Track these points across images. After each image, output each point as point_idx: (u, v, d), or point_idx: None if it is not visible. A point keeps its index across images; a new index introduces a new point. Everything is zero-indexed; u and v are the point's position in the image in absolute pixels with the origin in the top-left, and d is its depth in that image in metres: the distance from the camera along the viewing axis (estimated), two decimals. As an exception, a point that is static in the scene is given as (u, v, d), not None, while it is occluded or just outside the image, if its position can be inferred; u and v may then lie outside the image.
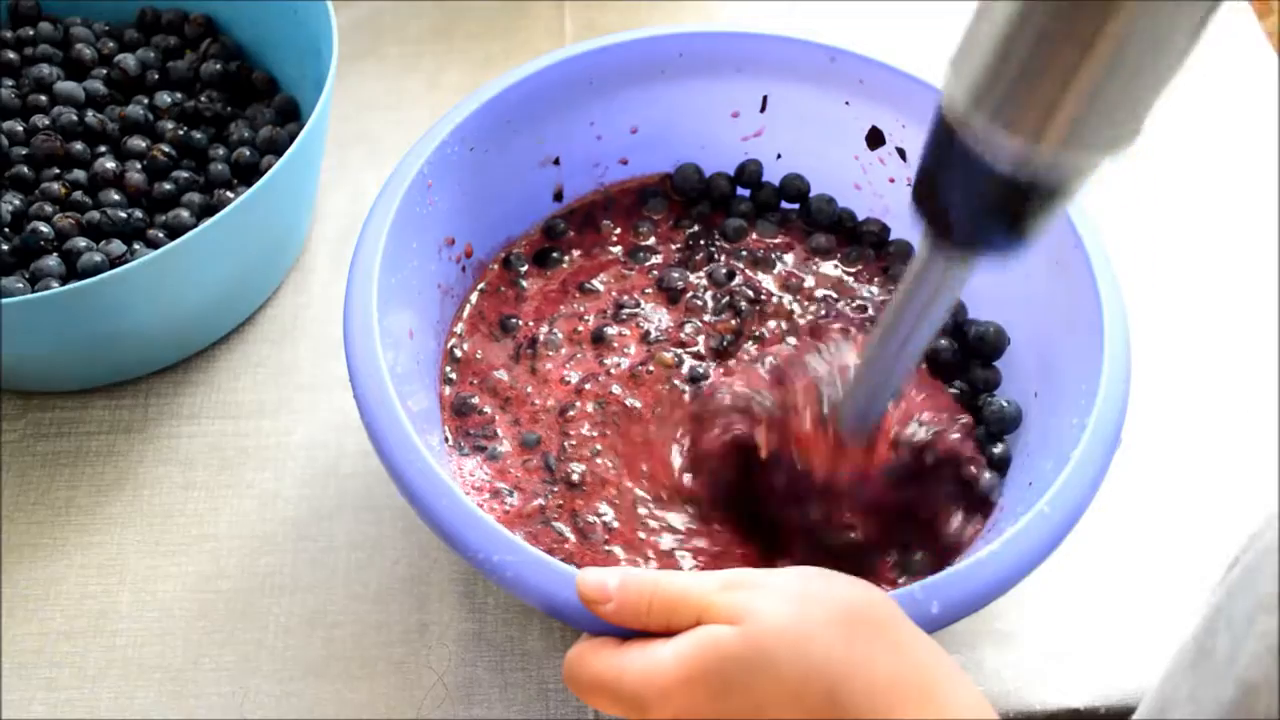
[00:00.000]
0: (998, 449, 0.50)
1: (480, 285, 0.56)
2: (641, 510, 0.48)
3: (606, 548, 0.47)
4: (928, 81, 0.53)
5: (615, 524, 0.47)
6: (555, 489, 0.49)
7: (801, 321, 0.54)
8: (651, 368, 0.52)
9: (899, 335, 0.39)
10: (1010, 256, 0.34)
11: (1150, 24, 0.27)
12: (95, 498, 0.55)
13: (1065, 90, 0.28)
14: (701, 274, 0.56)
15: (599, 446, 0.50)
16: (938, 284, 0.36)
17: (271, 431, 0.57)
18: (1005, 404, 0.50)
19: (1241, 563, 0.29)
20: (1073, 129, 0.29)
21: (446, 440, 0.50)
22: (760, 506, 0.47)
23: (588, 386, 0.52)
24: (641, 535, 0.47)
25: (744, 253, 0.57)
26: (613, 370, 0.52)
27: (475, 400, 0.52)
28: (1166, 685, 0.31)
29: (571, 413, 0.51)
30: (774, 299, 0.55)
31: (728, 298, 0.54)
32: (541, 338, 0.54)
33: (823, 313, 0.54)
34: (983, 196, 0.32)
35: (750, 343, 0.53)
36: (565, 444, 0.50)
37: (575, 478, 0.49)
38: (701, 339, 0.53)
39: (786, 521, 0.46)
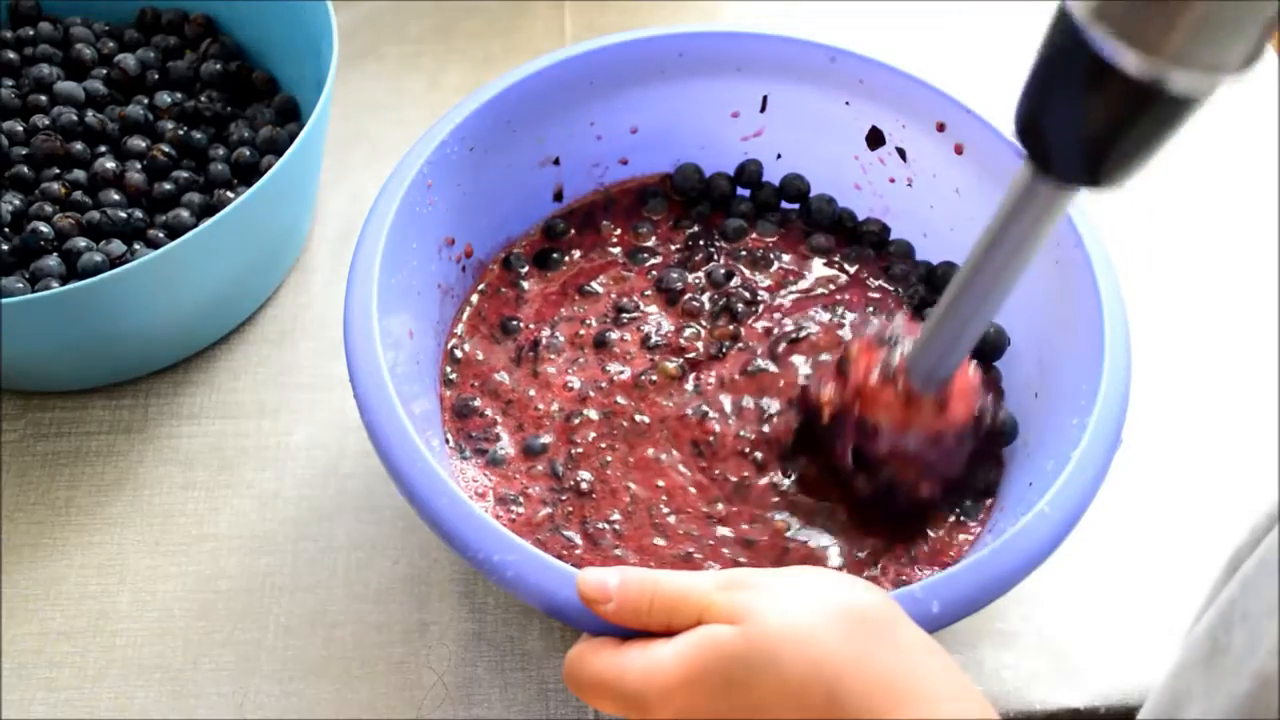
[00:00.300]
0: (989, 474, 0.49)
1: (480, 286, 0.56)
2: (659, 519, 0.48)
3: (616, 552, 0.47)
4: (928, 81, 0.53)
5: (625, 530, 0.47)
6: (563, 497, 0.48)
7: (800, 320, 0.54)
8: (654, 377, 0.52)
9: (987, 275, 0.38)
10: (1108, 188, 0.34)
11: None
12: (95, 498, 0.55)
13: (1185, 3, 0.28)
14: (700, 274, 0.56)
15: (609, 459, 0.49)
16: (1035, 218, 0.36)
17: (271, 431, 0.57)
18: (1003, 414, 0.50)
19: (1256, 556, 0.29)
20: (1190, 44, 0.29)
21: (447, 442, 0.50)
22: (827, 471, 0.47)
23: (591, 394, 0.51)
24: (657, 541, 0.47)
25: (743, 253, 0.57)
26: (616, 378, 0.52)
27: (476, 403, 0.51)
28: (1177, 681, 0.31)
29: (576, 420, 0.51)
30: (771, 298, 0.55)
31: (724, 300, 0.54)
32: (543, 341, 0.53)
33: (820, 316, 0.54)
34: (1094, 111, 0.32)
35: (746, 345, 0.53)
36: (572, 451, 0.50)
37: (584, 486, 0.49)
38: (700, 345, 0.53)
39: (854, 486, 0.46)
